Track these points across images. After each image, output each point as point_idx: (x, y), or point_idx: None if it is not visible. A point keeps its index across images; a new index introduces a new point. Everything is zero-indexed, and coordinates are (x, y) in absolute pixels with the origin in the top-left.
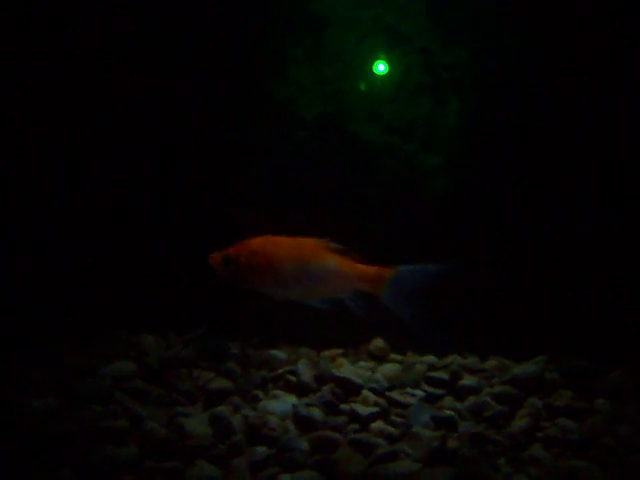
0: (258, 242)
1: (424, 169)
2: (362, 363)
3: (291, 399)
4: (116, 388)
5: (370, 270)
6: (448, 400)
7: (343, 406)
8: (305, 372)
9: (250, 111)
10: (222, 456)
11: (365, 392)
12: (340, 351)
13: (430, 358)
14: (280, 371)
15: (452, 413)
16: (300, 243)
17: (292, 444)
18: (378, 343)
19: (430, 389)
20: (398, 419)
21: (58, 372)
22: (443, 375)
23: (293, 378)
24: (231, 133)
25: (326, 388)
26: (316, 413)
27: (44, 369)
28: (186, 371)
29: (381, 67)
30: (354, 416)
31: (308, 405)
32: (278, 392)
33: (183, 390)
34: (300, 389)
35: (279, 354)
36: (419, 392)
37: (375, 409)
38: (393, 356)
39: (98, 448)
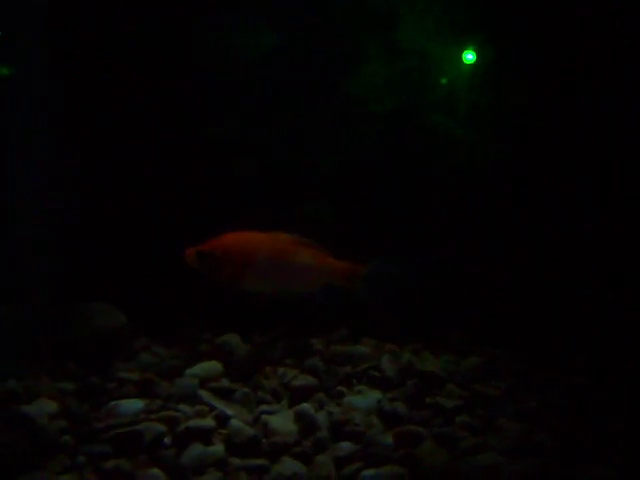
0: (232, 237)
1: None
2: (446, 357)
3: (375, 394)
4: (203, 388)
5: (344, 265)
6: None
7: (428, 400)
8: (389, 367)
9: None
10: (307, 452)
11: (449, 385)
12: (424, 345)
13: (514, 350)
14: (364, 367)
15: (536, 405)
16: (274, 238)
17: (376, 439)
18: (461, 336)
19: (514, 381)
20: (482, 412)
21: (146, 373)
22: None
23: (377, 373)
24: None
25: (410, 382)
26: (400, 408)
27: (132, 369)
28: (271, 369)
29: (469, 56)
30: (438, 410)
31: (392, 400)
32: (362, 387)
33: (268, 388)
34: (384, 384)
35: (363, 349)
36: (503, 384)
37: (459, 402)
38: (477, 349)
39: (185, 447)
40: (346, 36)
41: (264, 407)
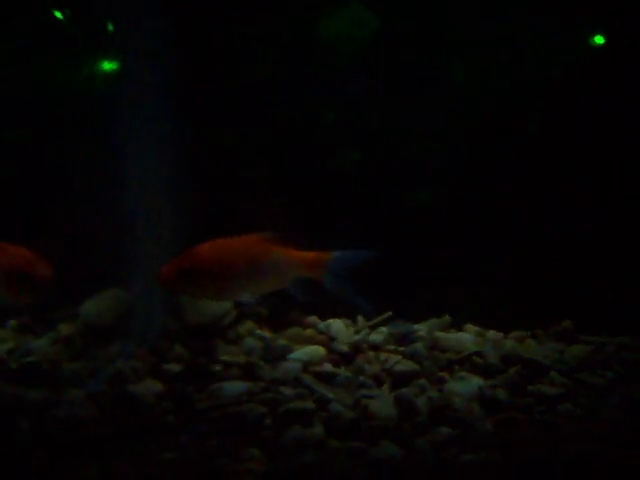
0: (206, 248)
1: None
2: (550, 344)
3: (477, 381)
4: (305, 372)
5: (310, 256)
6: None
7: (529, 387)
8: (492, 354)
9: None
10: (406, 436)
11: (552, 373)
12: (528, 333)
13: (623, 339)
14: (466, 353)
15: None
16: (245, 241)
17: (476, 425)
18: (567, 324)
19: (621, 370)
20: (586, 401)
21: (250, 356)
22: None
23: (480, 360)
24: None
25: (512, 370)
26: (502, 394)
27: (236, 353)
28: (374, 354)
29: None
30: (541, 397)
31: (494, 387)
32: (464, 374)
33: (370, 373)
34: (486, 371)
35: (466, 336)
36: (609, 374)
37: (562, 390)
38: (583, 337)
39: (285, 429)
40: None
41: (365, 391)
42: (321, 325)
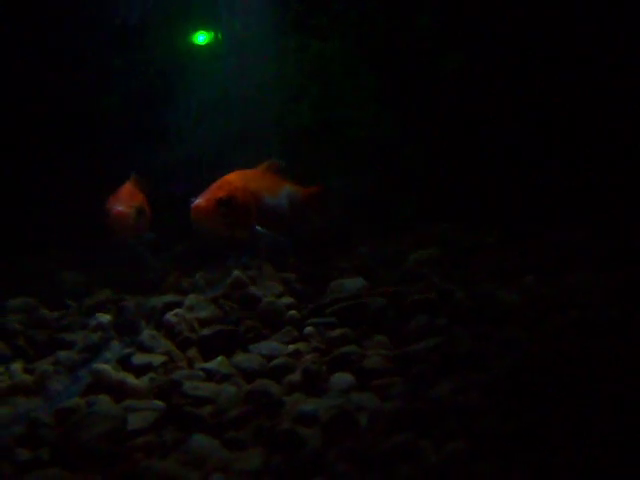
0: (237, 179)
1: None
2: None
3: None
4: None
5: (313, 190)
6: None
7: None
8: None
9: None
10: (530, 319)
11: None
12: None
13: None
14: None
15: None
16: (263, 174)
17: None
18: None
19: None
20: None
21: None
22: None
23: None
24: None
25: None
26: None
27: (351, 260)
28: (485, 253)
29: None
30: None
31: None
32: None
33: (487, 268)
34: None
35: None
36: None
37: None
38: None
39: (410, 318)
40: None
41: (485, 284)
42: (432, 230)
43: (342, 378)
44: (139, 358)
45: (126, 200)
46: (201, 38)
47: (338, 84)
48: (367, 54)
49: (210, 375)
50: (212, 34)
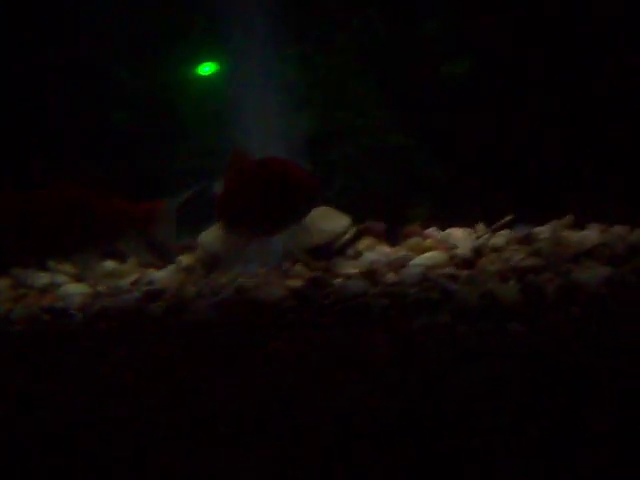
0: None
1: None
2: None
3: (604, 269)
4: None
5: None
6: None
7: None
8: (618, 244)
9: None
10: (529, 317)
11: None
12: None
13: None
14: (591, 246)
15: None
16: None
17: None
18: None
19: None
20: None
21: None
22: None
23: (607, 251)
24: None
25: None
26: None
27: (356, 266)
28: (496, 255)
29: None
30: None
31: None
32: (592, 263)
33: (494, 270)
34: (612, 260)
35: (590, 233)
36: None
37: None
38: None
39: (411, 318)
40: None
41: (490, 285)
42: (440, 235)
43: None
44: None
45: None
46: (206, 69)
47: (342, 92)
48: (370, 62)
49: None
50: (216, 65)
